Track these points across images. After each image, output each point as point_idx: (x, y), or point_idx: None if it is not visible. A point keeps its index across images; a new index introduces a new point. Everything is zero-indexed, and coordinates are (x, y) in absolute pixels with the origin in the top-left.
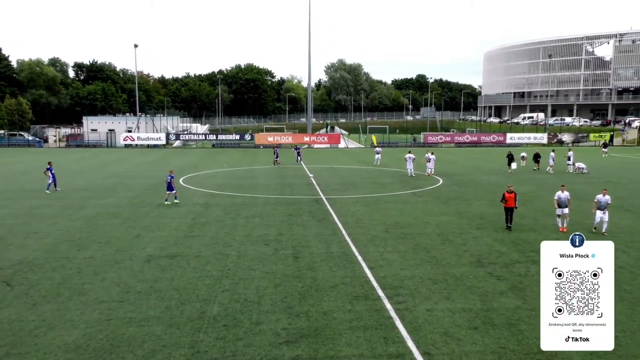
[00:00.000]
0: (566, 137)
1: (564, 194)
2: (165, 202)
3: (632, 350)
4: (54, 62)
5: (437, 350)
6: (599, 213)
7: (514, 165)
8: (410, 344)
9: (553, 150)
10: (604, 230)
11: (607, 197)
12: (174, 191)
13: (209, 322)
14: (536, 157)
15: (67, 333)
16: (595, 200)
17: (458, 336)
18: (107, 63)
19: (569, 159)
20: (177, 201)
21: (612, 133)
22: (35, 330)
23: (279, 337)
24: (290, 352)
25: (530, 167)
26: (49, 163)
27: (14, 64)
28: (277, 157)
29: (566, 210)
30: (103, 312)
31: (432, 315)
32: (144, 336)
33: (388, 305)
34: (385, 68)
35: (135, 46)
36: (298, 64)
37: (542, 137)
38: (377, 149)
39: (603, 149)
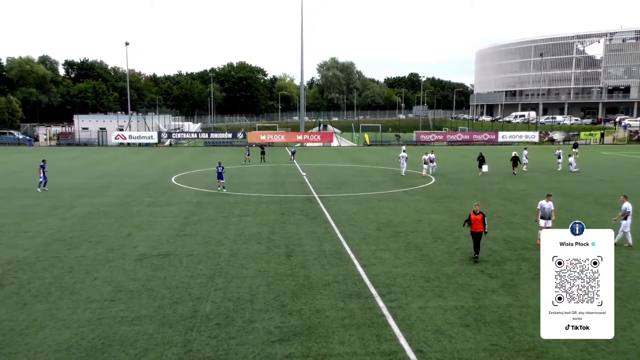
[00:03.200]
0: (557, 136)
1: (547, 204)
2: (218, 189)
3: (622, 347)
4: (44, 60)
5: (430, 348)
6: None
7: (484, 168)
8: (403, 341)
9: (525, 149)
10: (628, 241)
11: (626, 203)
12: (223, 180)
13: (201, 321)
14: (514, 161)
15: (58, 332)
16: (624, 209)
17: (450, 334)
18: (98, 61)
19: (559, 157)
20: (225, 190)
21: (602, 131)
22: (26, 329)
23: (271, 336)
24: (283, 351)
25: (522, 166)
26: (43, 161)
27: (4, 61)
28: (248, 155)
29: (550, 224)
30: (95, 311)
31: (424, 312)
32: (136, 335)
33: (380, 303)
34: (377, 66)
35: (127, 44)
36: (290, 62)
37: (534, 136)
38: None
39: (574, 149)
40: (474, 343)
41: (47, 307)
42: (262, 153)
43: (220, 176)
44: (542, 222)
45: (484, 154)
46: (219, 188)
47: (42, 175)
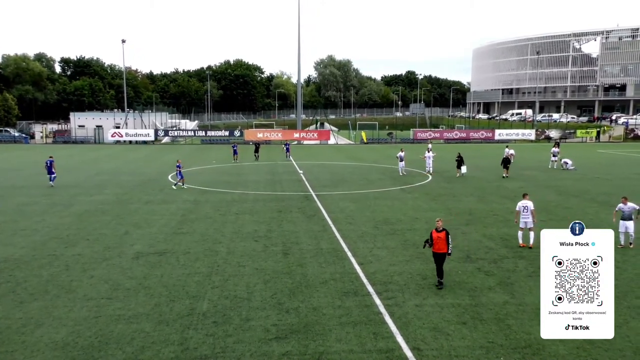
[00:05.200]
0: (554, 134)
1: (526, 203)
2: (176, 186)
3: (618, 344)
4: (40, 58)
5: (426, 346)
6: (622, 223)
7: (463, 169)
8: (400, 339)
9: (507, 146)
10: (630, 241)
11: (631, 204)
12: (182, 177)
13: (198, 319)
14: (505, 163)
15: (54, 331)
16: (617, 209)
17: (447, 331)
18: (94, 58)
19: (554, 155)
20: (175, 188)
21: (598, 129)
22: (22, 328)
23: (268, 333)
24: (280, 348)
25: (517, 163)
26: (50, 157)
27: None
28: (235, 154)
29: (530, 224)
30: (91, 309)
31: (421, 310)
32: (133, 333)
33: (377, 301)
34: (374, 64)
35: (123, 41)
36: (287, 60)
37: (530, 134)
38: (429, 145)
39: (555, 149)
40: (470, 340)
41: (43, 305)
42: (256, 151)
43: (179, 174)
44: (522, 223)
45: (462, 154)
46: (182, 185)
47: (47, 170)
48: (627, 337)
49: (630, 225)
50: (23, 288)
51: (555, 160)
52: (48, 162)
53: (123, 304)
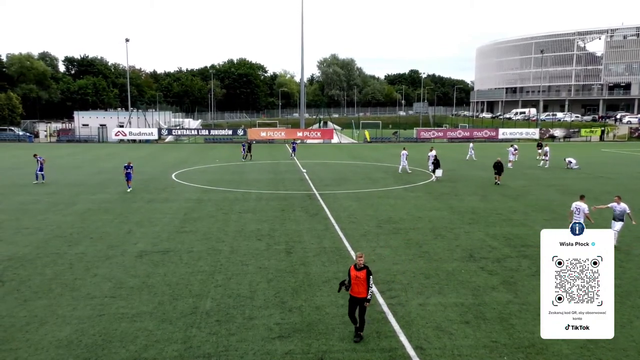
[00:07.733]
0: (558, 133)
1: (579, 205)
2: (127, 189)
3: (621, 344)
4: (44, 57)
5: (430, 345)
6: (613, 223)
7: (438, 172)
8: (403, 338)
9: (512, 145)
10: (615, 243)
11: (623, 205)
12: (129, 179)
13: (201, 318)
14: (498, 168)
15: (58, 329)
16: (609, 205)
17: (450, 330)
18: (98, 57)
19: (545, 155)
20: (130, 190)
21: (603, 128)
22: (26, 326)
23: (271, 332)
24: (283, 347)
25: (520, 162)
26: (34, 155)
27: (4, 58)
28: (244, 151)
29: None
30: (95, 307)
31: (424, 309)
32: (137, 332)
33: (380, 300)
34: (378, 63)
35: (127, 40)
36: (291, 59)
37: (534, 133)
38: (471, 144)
39: (538, 150)
40: (473, 340)
41: (47, 303)
42: (249, 150)
43: (128, 175)
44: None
45: (439, 156)
46: (128, 188)
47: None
48: (631, 336)
49: (618, 225)
50: (27, 286)
51: (547, 159)
52: (40, 158)
53: (126, 302)
